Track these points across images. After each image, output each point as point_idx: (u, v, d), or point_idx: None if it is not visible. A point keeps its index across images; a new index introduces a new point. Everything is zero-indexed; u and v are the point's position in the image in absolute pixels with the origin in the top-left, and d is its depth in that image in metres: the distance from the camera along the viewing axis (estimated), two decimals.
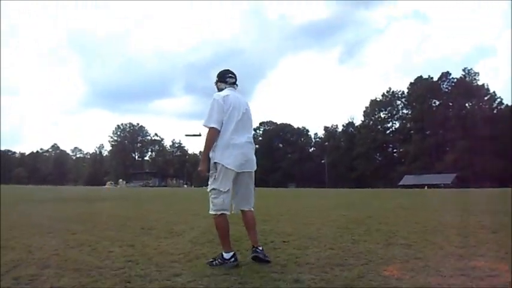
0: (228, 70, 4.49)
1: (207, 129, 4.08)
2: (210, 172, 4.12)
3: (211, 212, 4.11)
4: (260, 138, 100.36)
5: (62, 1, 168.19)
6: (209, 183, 4.11)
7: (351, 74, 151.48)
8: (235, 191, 4.20)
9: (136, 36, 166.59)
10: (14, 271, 3.75)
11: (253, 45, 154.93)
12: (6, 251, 4.76)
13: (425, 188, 58.55)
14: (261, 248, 4.19)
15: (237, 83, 4.42)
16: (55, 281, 3.38)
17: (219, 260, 3.98)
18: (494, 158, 72.65)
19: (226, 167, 4.02)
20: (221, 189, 4.02)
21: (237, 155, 4.05)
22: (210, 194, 4.11)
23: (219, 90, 4.37)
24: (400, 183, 75.37)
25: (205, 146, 4.09)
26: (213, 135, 4.05)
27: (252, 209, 4.29)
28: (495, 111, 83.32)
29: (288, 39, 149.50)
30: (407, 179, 76.68)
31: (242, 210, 4.27)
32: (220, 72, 4.50)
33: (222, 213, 4.05)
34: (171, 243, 5.35)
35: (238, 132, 4.10)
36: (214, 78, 4.54)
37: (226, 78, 4.40)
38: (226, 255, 3.96)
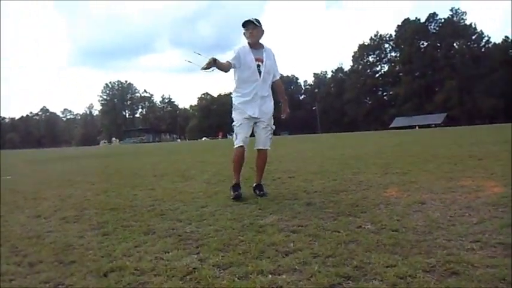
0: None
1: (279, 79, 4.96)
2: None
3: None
4: None
5: None
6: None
7: (338, 19, 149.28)
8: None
9: None
10: (57, 214, 4.20)
11: None
12: (40, 201, 5.19)
13: (417, 128, 59.49)
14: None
15: None
16: (98, 218, 3.83)
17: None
18: (483, 96, 73.37)
19: None
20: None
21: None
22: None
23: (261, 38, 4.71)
24: (391, 126, 76.31)
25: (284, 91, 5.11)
26: None
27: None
28: (483, 50, 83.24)
29: None
30: (399, 121, 77.61)
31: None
32: None
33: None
34: (187, 185, 5.83)
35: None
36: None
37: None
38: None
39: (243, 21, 4.57)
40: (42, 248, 2.92)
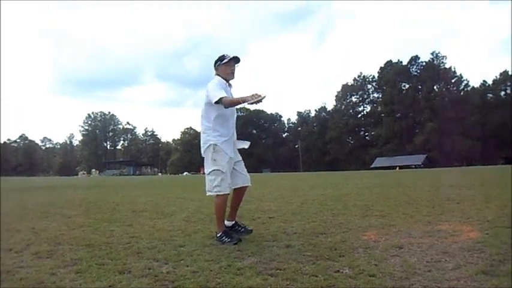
0: None
1: None
2: None
3: None
4: None
5: None
6: None
7: (322, 60, 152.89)
8: None
9: (106, 23, 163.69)
10: (30, 248, 4.10)
11: (224, 31, 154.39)
12: (13, 233, 5.07)
13: (397, 168, 60.17)
14: (217, 235, 4.35)
15: (215, 68, 4.58)
16: (72, 255, 3.74)
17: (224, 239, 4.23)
18: (463, 139, 75.01)
19: None
20: None
21: None
22: None
23: None
24: (372, 166, 77.09)
25: None
26: None
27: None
28: (462, 93, 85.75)
29: (260, 25, 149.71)
30: (380, 161, 78.50)
31: None
32: None
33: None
34: (166, 222, 5.76)
35: None
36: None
37: None
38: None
39: (231, 55, 4.50)
40: (12, 285, 2.84)
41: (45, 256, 3.74)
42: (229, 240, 4.15)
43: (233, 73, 4.55)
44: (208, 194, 4.35)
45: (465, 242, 3.75)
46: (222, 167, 4.28)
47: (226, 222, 4.52)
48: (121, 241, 4.37)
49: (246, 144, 4.61)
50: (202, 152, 4.41)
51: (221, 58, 4.53)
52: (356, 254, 3.44)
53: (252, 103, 4.03)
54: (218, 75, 4.52)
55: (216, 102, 4.20)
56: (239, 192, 4.57)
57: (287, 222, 5.33)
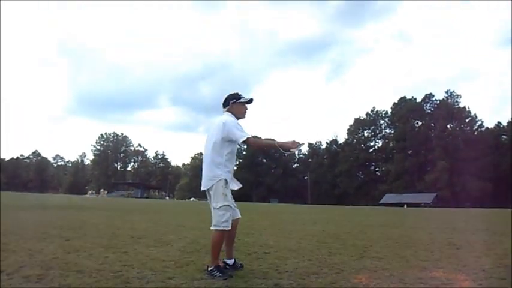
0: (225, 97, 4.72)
1: None
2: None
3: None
4: (244, 152, 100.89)
5: (52, 5, 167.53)
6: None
7: (336, 92, 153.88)
8: None
9: (125, 46, 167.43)
10: (22, 271, 4.12)
11: (241, 59, 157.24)
12: (8, 254, 5.10)
13: (405, 206, 59.50)
14: (209, 269, 4.28)
15: (224, 106, 4.66)
16: (61, 280, 3.77)
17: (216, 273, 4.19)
18: (474, 179, 74.17)
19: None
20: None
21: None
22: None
23: None
24: (381, 202, 76.42)
25: None
26: None
27: (212, 228, 4.36)
28: (475, 133, 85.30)
29: (276, 55, 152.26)
30: (389, 198, 77.78)
31: None
32: None
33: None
34: (161, 251, 5.75)
35: (203, 153, 4.62)
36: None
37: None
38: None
39: (248, 97, 4.63)
40: None
41: (35, 280, 3.76)
42: (220, 275, 4.12)
43: (245, 114, 4.67)
44: (215, 228, 4.28)
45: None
46: (231, 203, 4.34)
47: (228, 261, 4.51)
48: (112, 269, 4.37)
49: (238, 186, 4.64)
50: (208, 185, 4.37)
51: (237, 96, 4.63)
52: None
53: (290, 150, 4.15)
54: (230, 111, 4.60)
55: (243, 142, 4.29)
56: (234, 226, 4.55)
57: (281, 259, 5.29)
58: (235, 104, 4.61)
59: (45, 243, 6.21)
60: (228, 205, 4.30)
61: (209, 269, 4.25)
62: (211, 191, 4.37)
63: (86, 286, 3.56)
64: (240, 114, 4.62)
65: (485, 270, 4.80)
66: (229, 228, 4.30)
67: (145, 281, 3.87)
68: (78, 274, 4.05)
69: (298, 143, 4.15)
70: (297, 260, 5.29)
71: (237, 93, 4.66)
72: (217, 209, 4.28)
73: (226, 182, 4.34)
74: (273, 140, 4.42)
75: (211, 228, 4.32)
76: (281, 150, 4.20)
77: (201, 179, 4.52)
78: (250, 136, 4.30)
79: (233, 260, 4.58)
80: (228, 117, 4.50)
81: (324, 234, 8.83)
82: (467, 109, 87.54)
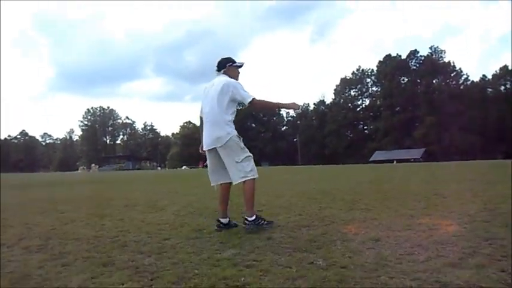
0: (218, 61, 4.86)
1: None
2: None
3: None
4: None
5: None
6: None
7: (321, 53, 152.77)
8: (219, 166, 4.68)
9: (105, 17, 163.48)
10: (21, 243, 4.22)
11: (225, 25, 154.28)
12: (6, 229, 5.18)
13: (394, 162, 60.32)
14: (251, 219, 4.56)
15: (219, 69, 4.80)
16: (61, 248, 3.87)
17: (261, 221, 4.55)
18: (462, 133, 75.14)
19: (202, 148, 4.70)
20: (208, 165, 4.75)
21: (204, 134, 4.68)
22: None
23: None
24: (371, 159, 77.27)
25: None
26: (200, 122, 4.84)
27: (236, 182, 4.57)
28: (461, 88, 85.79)
29: (260, 20, 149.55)
30: (378, 155, 78.68)
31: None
32: None
33: (213, 186, 4.78)
34: (156, 216, 5.88)
35: (203, 113, 4.72)
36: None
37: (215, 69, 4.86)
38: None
39: (241, 61, 4.87)
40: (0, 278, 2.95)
41: (35, 250, 3.85)
42: (265, 222, 4.52)
43: (238, 77, 4.83)
44: (245, 179, 4.47)
45: (442, 236, 3.87)
46: (250, 154, 4.59)
47: (222, 220, 4.65)
48: (109, 235, 4.49)
49: None
50: (221, 142, 4.50)
51: (232, 60, 4.83)
52: (333, 247, 3.56)
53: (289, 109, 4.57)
54: (226, 74, 4.75)
55: (249, 103, 4.48)
56: (227, 188, 4.76)
57: (273, 216, 5.43)
58: (231, 67, 4.79)
59: (42, 217, 6.29)
60: (249, 155, 4.55)
61: (250, 219, 4.50)
62: (225, 148, 4.51)
63: (84, 252, 3.67)
64: (234, 77, 4.77)
65: (470, 215, 5.00)
66: (257, 176, 4.54)
67: (142, 243, 3.98)
68: (77, 242, 4.16)
69: (298, 105, 4.56)
70: (288, 215, 5.45)
71: (231, 57, 4.85)
72: (240, 162, 4.47)
73: (238, 136, 4.54)
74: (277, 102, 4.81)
75: (239, 181, 4.50)
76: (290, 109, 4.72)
77: (200, 142, 4.80)
78: (254, 97, 4.50)
79: (228, 219, 4.71)
80: (230, 78, 4.67)
81: (315, 191, 9.02)
82: (452, 64, 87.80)
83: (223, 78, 4.65)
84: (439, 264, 2.90)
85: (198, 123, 4.99)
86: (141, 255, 3.46)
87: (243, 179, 4.47)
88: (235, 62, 4.81)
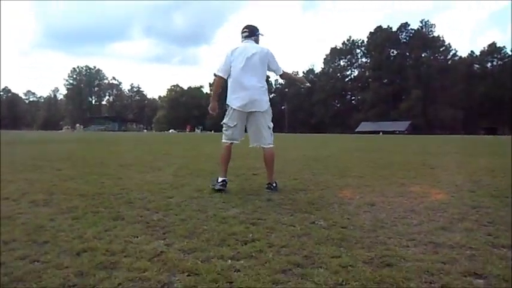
0: (246, 26, 5.02)
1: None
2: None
3: (222, 141, 4.89)
4: None
5: None
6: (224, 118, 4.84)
7: (313, 22, 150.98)
8: (252, 129, 4.86)
9: None
10: (26, 197, 4.32)
11: None
12: (6, 183, 5.26)
13: (380, 134, 61.00)
14: (274, 185, 4.82)
15: (250, 35, 4.96)
16: (67, 203, 3.98)
17: (213, 180, 4.82)
18: (446, 107, 75.98)
19: (233, 108, 4.75)
20: (229, 124, 4.81)
21: (243, 96, 4.69)
22: (223, 127, 4.87)
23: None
24: (357, 130, 77.97)
25: (212, 91, 5.00)
26: (218, 82, 4.88)
27: (266, 146, 4.84)
28: (449, 62, 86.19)
29: None
30: (364, 126, 79.38)
31: (262, 147, 4.89)
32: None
33: (230, 143, 4.85)
34: (154, 176, 6.02)
35: (244, 77, 4.72)
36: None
37: (241, 34, 4.99)
38: (219, 179, 4.74)
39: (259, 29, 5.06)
40: (15, 228, 3.06)
41: (42, 204, 3.97)
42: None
43: None
44: (270, 146, 4.86)
45: (432, 203, 4.09)
46: None
47: (220, 179, 4.76)
48: (112, 192, 4.62)
49: None
50: (264, 108, 4.81)
51: (259, 29, 5.05)
52: (331, 209, 3.75)
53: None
54: (256, 42, 4.99)
55: (280, 73, 5.03)
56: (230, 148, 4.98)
57: None
58: (258, 37, 5.03)
59: (38, 173, 6.38)
60: (225, 123, 4.86)
61: (275, 184, 4.82)
62: (264, 114, 4.81)
63: (92, 207, 3.79)
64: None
65: (457, 185, 5.25)
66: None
67: (147, 200, 4.13)
68: (82, 197, 4.28)
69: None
70: (284, 180, 5.63)
71: (256, 27, 5.05)
72: (270, 128, 4.82)
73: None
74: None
75: (268, 146, 4.83)
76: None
77: (223, 101, 4.89)
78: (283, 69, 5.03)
79: (268, 185, 4.87)
80: (263, 47, 4.91)
81: (306, 158, 9.25)
82: (442, 38, 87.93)
83: (258, 46, 4.89)
84: (432, 228, 3.10)
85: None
86: (148, 212, 3.61)
87: (270, 145, 4.81)
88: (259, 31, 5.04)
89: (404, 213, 3.61)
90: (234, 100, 4.73)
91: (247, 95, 4.71)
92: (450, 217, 3.46)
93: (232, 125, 4.79)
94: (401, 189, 4.94)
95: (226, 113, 4.84)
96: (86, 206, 3.82)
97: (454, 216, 3.48)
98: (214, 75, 4.94)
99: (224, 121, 4.84)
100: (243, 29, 5.01)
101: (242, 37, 4.98)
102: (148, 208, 3.75)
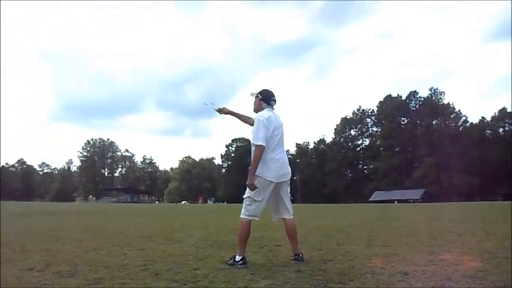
0: (272, 93, 4.92)
1: (255, 147, 4.53)
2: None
3: (242, 216, 4.57)
4: (233, 154, 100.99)
5: (35, 11, 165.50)
6: (246, 191, 4.56)
7: (322, 93, 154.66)
8: (276, 201, 4.76)
9: (109, 50, 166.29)
10: (51, 268, 4.26)
11: (226, 62, 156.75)
12: (28, 254, 5.22)
13: (396, 202, 60.16)
14: (301, 256, 4.71)
15: (275, 103, 4.93)
16: (93, 274, 3.92)
17: (231, 260, 4.47)
18: (461, 174, 75.28)
19: (265, 179, 4.51)
20: (255, 198, 4.52)
21: (277, 168, 4.60)
22: (244, 200, 4.59)
23: (258, 108, 4.86)
24: (370, 199, 77.01)
25: (253, 161, 4.50)
26: (261, 152, 4.49)
27: (292, 217, 4.81)
28: (460, 129, 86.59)
29: (261, 58, 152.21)
30: (378, 195, 78.46)
31: (283, 219, 4.80)
32: (265, 92, 4.91)
33: (250, 219, 4.56)
34: (176, 248, 5.92)
35: (278, 149, 4.69)
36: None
37: (270, 101, 4.87)
38: (237, 257, 4.46)
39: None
40: None
41: (67, 275, 3.90)
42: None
43: None
44: (292, 217, 4.84)
45: (467, 270, 3.95)
46: None
47: (238, 258, 4.47)
48: (137, 263, 4.53)
49: None
50: (289, 178, 4.87)
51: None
52: (364, 279, 3.63)
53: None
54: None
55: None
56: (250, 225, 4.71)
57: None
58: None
59: (60, 244, 6.32)
60: (249, 197, 4.62)
61: (301, 255, 4.71)
62: (288, 184, 4.86)
63: (119, 279, 3.72)
64: None
65: (490, 252, 5.09)
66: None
67: (173, 272, 4.04)
68: (107, 269, 4.20)
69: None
70: (309, 251, 5.51)
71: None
72: (244, 198, 4.61)
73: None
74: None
75: (291, 217, 4.81)
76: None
77: (272, 170, 4.60)
78: None
79: (295, 256, 4.75)
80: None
81: (327, 227, 9.08)
82: (451, 105, 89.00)
83: (278, 116, 4.87)
84: None
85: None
86: (176, 284, 3.52)
87: (292, 216, 4.79)
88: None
89: (441, 281, 3.49)
90: (266, 172, 4.52)
91: (279, 167, 4.66)
92: (491, 285, 3.33)
93: (259, 199, 4.52)
94: (431, 257, 4.79)
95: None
96: (112, 278, 3.75)
97: (496, 284, 3.35)
98: (254, 145, 4.55)
99: (249, 195, 4.54)
100: (273, 97, 4.91)
101: (270, 105, 4.86)
102: (176, 280, 3.67)
